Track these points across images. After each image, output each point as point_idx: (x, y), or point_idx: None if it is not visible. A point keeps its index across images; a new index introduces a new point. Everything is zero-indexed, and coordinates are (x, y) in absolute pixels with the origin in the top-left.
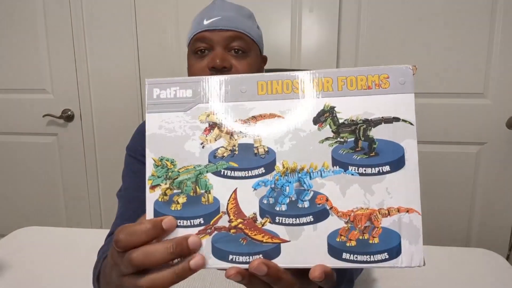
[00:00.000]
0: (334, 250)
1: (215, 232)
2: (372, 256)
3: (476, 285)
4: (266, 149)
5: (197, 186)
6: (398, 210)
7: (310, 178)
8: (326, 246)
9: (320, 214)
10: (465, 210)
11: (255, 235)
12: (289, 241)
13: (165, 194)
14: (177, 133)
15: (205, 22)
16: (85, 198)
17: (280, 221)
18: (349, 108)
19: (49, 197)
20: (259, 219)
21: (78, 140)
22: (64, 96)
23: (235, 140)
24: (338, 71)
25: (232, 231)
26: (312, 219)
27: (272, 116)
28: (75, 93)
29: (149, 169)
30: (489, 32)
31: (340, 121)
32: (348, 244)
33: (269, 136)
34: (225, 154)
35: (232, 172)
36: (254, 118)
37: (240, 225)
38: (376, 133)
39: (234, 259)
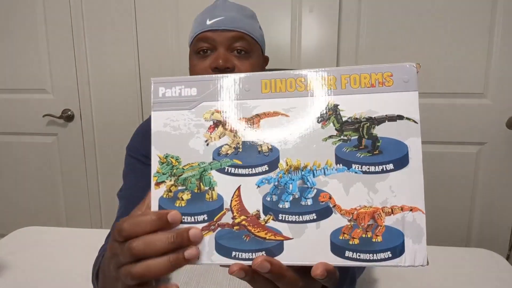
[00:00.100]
0: (337, 248)
1: (219, 228)
2: (375, 255)
3: (476, 285)
4: (270, 147)
5: (201, 183)
6: (402, 209)
7: (314, 176)
8: (329, 244)
9: (323, 212)
10: (465, 210)
11: (258, 232)
12: (292, 238)
13: (169, 190)
14: (182, 130)
15: (208, 22)
16: (85, 198)
17: (283, 219)
18: (353, 106)
19: (49, 197)
20: (262, 216)
21: (78, 140)
22: (64, 96)
23: (239, 138)
24: (342, 69)
25: (235, 227)
26: (315, 217)
27: (275, 114)
28: (75, 93)
29: (154, 166)
30: (489, 32)
31: (344, 119)
32: (351, 242)
33: (272, 134)
34: (229, 152)
35: (236, 169)
36: (258, 116)
37: (243, 222)
38: (380, 131)
39: (237, 256)
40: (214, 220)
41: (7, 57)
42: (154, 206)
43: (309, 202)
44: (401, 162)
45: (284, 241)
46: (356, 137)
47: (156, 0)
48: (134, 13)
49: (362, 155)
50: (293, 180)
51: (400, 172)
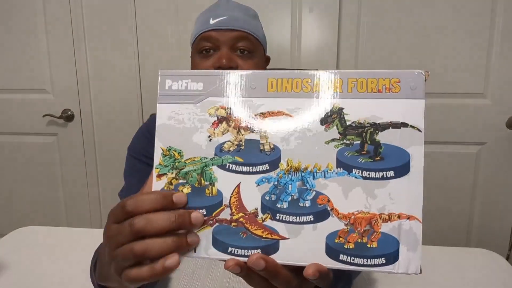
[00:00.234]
0: (332, 251)
1: (217, 224)
2: (369, 260)
3: (476, 285)
4: (272, 146)
5: (202, 178)
6: (399, 217)
7: (314, 178)
8: (324, 246)
9: (321, 214)
10: (465, 211)
11: (255, 229)
12: (288, 238)
13: (170, 183)
14: (186, 124)
15: (212, 22)
16: (85, 198)
17: (281, 218)
18: (358, 110)
19: (49, 197)
20: (260, 214)
21: (78, 140)
22: (64, 96)
23: (242, 135)
24: (349, 72)
25: (233, 224)
26: (312, 219)
27: (280, 113)
28: (75, 93)
29: (157, 158)
30: (489, 32)
31: (348, 123)
32: (346, 246)
33: (275, 134)
34: (231, 149)
35: (237, 166)
36: (262, 115)
37: (241, 219)
38: (383, 137)
39: (233, 252)
40: (213, 215)
41: (7, 57)
42: None
43: (308, 203)
44: (402, 169)
45: (280, 241)
46: (359, 142)
47: (156, 0)
48: (134, 13)
49: (363, 161)
50: (293, 181)
51: (401, 179)
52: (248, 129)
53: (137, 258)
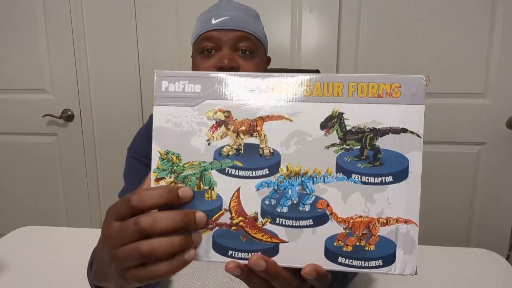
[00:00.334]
0: (331, 253)
1: (217, 228)
2: (366, 262)
3: (476, 285)
4: (272, 151)
5: (201, 182)
6: (397, 221)
7: (313, 182)
8: (323, 249)
9: (320, 218)
10: (465, 210)
11: (255, 233)
12: (288, 241)
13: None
14: (184, 128)
15: (213, 22)
16: (85, 198)
17: (280, 222)
18: (358, 115)
19: (49, 197)
20: (260, 218)
21: (78, 140)
22: (64, 96)
23: (241, 139)
24: (350, 77)
25: (233, 228)
26: (311, 223)
27: (280, 118)
28: (75, 93)
29: (155, 161)
30: (489, 32)
31: (348, 128)
32: (344, 249)
33: (275, 138)
34: (230, 153)
35: (237, 171)
36: (262, 119)
37: (241, 223)
38: (383, 142)
39: (233, 255)
40: (213, 219)
41: (7, 57)
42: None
43: (307, 208)
44: (401, 175)
45: (280, 244)
46: (359, 147)
47: (156, 0)
48: (134, 13)
49: (362, 166)
50: (293, 185)
51: (399, 185)
52: (248, 133)
53: (143, 258)
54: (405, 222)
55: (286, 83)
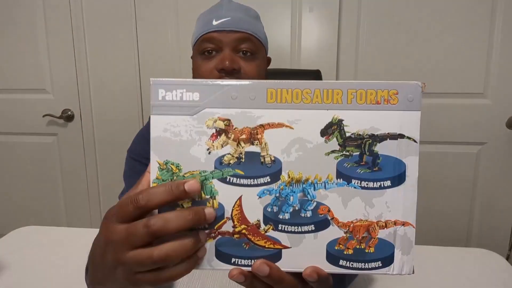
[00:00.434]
0: (332, 257)
1: (219, 236)
2: (366, 264)
3: (476, 285)
4: (273, 158)
5: (202, 192)
6: (395, 223)
7: (314, 189)
8: (324, 253)
9: (321, 223)
10: (465, 210)
11: (257, 240)
12: (290, 247)
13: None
14: (183, 137)
15: (214, 23)
16: (85, 198)
17: (283, 229)
18: (357, 122)
19: (49, 197)
20: (262, 225)
21: (78, 140)
22: (64, 96)
23: (242, 147)
24: (349, 84)
25: (235, 236)
26: (313, 228)
27: (280, 125)
28: (75, 93)
29: (154, 172)
30: (489, 32)
31: (347, 134)
32: (345, 252)
33: (276, 146)
34: (231, 161)
35: (238, 179)
36: (262, 127)
37: (243, 231)
38: (381, 148)
39: (236, 262)
40: (215, 228)
41: (7, 57)
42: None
43: (309, 214)
44: (398, 179)
45: (282, 249)
46: (358, 153)
47: (156, 0)
48: (134, 13)
49: (362, 171)
50: (294, 192)
51: (397, 189)
52: (248, 141)
53: (157, 264)
54: (403, 224)
55: (286, 90)
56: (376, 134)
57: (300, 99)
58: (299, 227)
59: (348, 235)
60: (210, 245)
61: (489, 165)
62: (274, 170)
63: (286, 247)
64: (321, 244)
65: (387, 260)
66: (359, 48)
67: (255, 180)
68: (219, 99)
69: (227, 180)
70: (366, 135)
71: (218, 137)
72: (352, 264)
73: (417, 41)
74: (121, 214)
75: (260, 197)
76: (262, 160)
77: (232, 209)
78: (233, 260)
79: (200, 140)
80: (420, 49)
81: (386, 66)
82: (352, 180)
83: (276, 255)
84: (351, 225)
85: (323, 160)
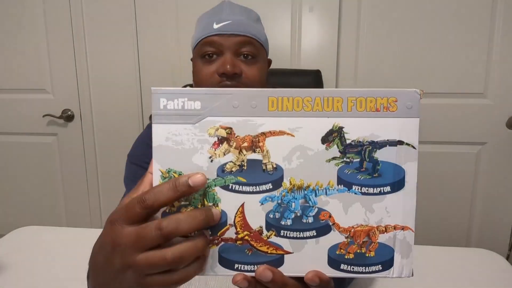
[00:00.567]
0: (333, 261)
1: (222, 243)
2: (367, 268)
3: (476, 285)
4: (274, 166)
5: (205, 199)
6: (395, 228)
7: (316, 195)
8: (326, 257)
9: (323, 229)
10: (465, 210)
11: (260, 246)
12: (292, 252)
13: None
14: (185, 146)
15: (215, 26)
16: (85, 198)
17: (285, 235)
18: (357, 129)
19: (49, 197)
20: (264, 232)
21: (78, 140)
22: (64, 96)
23: (244, 155)
24: (349, 91)
25: (238, 242)
26: (315, 234)
27: (281, 133)
28: (75, 93)
29: (156, 180)
30: (489, 32)
31: (347, 141)
32: (346, 257)
33: (277, 153)
34: (233, 169)
35: (240, 187)
36: (264, 135)
37: (246, 237)
38: (381, 154)
39: (239, 268)
40: (218, 234)
41: (7, 57)
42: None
43: (310, 220)
44: (398, 185)
45: (285, 255)
46: (358, 159)
47: (156, 1)
48: (134, 13)
49: (362, 177)
50: (296, 198)
51: (396, 194)
52: (250, 149)
53: (170, 266)
54: (402, 229)
55: (287, 98)
56: (376, 141)
57: (301, 107)
58: (301, 232)
59: (349, 240)
60: (213, 252)
61: (489, 165)
62: (276, 177)
63: (288, 253)
64: (322, 249)
65: (387, 264)
66: (359, 48)
67: (257, 187)
68: (221, 108)
69: (230, 187)
70: (366, 142)
71: (220, 145)
72: (353, 268)
73: (417, 41)
74: (128, 216)
75: (262, 204)
76: (264, 167)
77: (235, 216)
78: (236, 266)
79: (202, 148)
80: (420, 49)
81: (386, 66)
82: (353, 186)
83: (278, 261)
84: (352, 230)
85: (324, 167)
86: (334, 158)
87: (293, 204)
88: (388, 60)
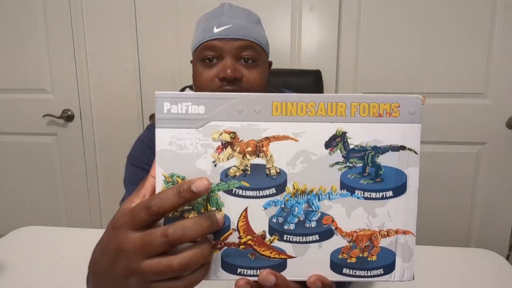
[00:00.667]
0: (336, 265)
1: (225, 247)
2: (369, 272)
3: (476, 285)
4: (278, 171)
5: (208, 204)
6: (396, 232)
7: (319, 200)
8: (328, 261)
9: (326, 233)
10: (465, 210)
11: (263, 251)
12: (295, 257)
13: (176, 210)
14: (188, 150)
15: (216, 30)
16: (85, 198)
17: (288, 239)
18: (360, 134)
19: (49, 197)
20: (267, 236)
21: (78, 140)
22: (64, 96)
23: (248, 160)
24: (352, 97)
25: (241, 247)
26: (317, 238)
27: (285, 138)
28: (75, 93)
29: (159, 185)
30: (489, 32)
31: (351, 146)
32: (349, 261)
33: (281, 158)
34: (237, 174)
35: (244, 191)
36: (268, 139)
37: (249, 242)
38: (383, 159)
39: (242, 272)
40: (221, 239)
41: (7, 57)
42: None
43: (313, 224)
44: (400, 190)
45: (288, 259)
46: (361, 164)
47: (156, 1)
48: (134, 13)
49: (365, 182)
50: (299, 203)
51: (398, 199)
52: (254, 153)
53: (176, 273)
54: (404, 233)
55: (291, 103)
56: (378, 146)
57: (305, 112)
58: (304, 237)
59: (351, 244)
60: (216, 256)
61: (489, 165)
62: (279, 182)
63: (291, 257)
64: (325, 253)
65: (389, 268)
66: (359, 48)
67: (261, 191)
68: (225, 112)
69: (233, 192)
70: (369, 147)
71: (224, 149)
72: (355, 272)
73: (417, 41)
74: (133, 222)
75: (265, 208)
76: (268, 172)
77: (238, 221)
78: (239, 270)
79: (205, 153)
80: (420, 49)
81: (386, 66)
82: (356, 191)
83: (281, 265)
84: (354, 234)
85: (327, 171)
86: (337, 163)
87: (296, 208)
88: (388, 60)
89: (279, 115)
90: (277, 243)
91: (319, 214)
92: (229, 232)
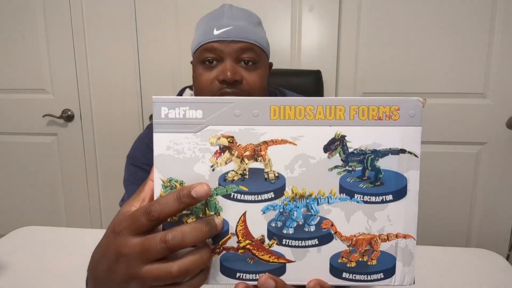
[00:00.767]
0: (335, 270)
1: (224, 251)
2: (369, 276)
3: (476, 285)
4: (276, 175)
5: (206, 208)
6: (396, 236)
7: (318, 204)
8: (328, 266)
9: (325, 237)
10: (465, 210)
11: (262, 255)
12: (294, 261)
13: (174, 214)
14: (186, 155)
15: (216, 32)
16: (85, 198)
17: (287, 243)
18: (359, 138)
19: (49, 197)
20: (266, 240)
21: (78, 140)
22: (64, 96)
23: (246, 164)
24: (351, 100)
25: (240, 251)
26: (317, 242)
27: (283, 142)
28: (75, 93)
29: (158, 189)
30: (489, 32)
31: (350, 150)
32: (348, 265)
33: (279, 162)
34: (235, 178)
35: (242, 195)
36: (266, 143)
37: (248, 246)
38: (383, 163)
39: (241, 276)
40: (219, 243)
41: (7, 57)
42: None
43: (312, 228)
44: (400, 193)
45: (287, 264)
46: (361, 168)
47: (156, 1)
48: (134, 13)
49: (364, 186)
50: (298, 207)
51: (398, 202)
52: (252, 158)
53: (175, 280)
54: (404, 237)
55: (289, 107)
56: (378, 149)
57: (303, 115)
58: (303, 241)
59: (351, 248)
60: (215, 261)
61: (489, 165)
62: (278, 186)
63: (290, 261)
64: (324, 258)
65: (389, 272)
66: (359, 48)
67: (259, 196)
68: (223, 117)
69: (231, 196)
70: (369, 150)
71: (222, 154)
72: (355, 276)
73: (417, 41)
74: (134, 227)
75: (264, 212)
76: (266, 176)
77: (237, 225)
78: (238, 274)
79: (203, 157)
80: (420, 49)
81: (386, 66)
82: (355, 194)
83: (280, 269)
84: (354, 238)
85: (326, 175)
86: (336, 167)
87: (295, 213)
88: (388, 60)
89: (277, 119)
90: (276, 248)
91: (318, 218)
92: (228, 236)
